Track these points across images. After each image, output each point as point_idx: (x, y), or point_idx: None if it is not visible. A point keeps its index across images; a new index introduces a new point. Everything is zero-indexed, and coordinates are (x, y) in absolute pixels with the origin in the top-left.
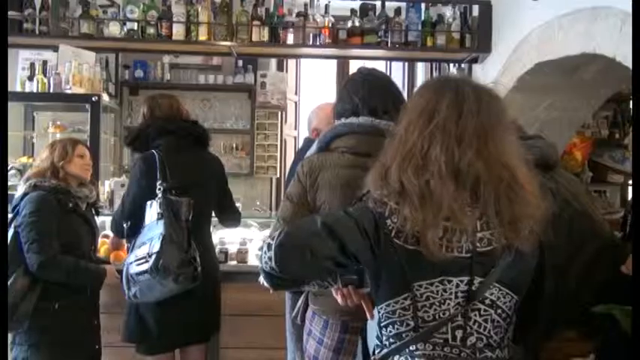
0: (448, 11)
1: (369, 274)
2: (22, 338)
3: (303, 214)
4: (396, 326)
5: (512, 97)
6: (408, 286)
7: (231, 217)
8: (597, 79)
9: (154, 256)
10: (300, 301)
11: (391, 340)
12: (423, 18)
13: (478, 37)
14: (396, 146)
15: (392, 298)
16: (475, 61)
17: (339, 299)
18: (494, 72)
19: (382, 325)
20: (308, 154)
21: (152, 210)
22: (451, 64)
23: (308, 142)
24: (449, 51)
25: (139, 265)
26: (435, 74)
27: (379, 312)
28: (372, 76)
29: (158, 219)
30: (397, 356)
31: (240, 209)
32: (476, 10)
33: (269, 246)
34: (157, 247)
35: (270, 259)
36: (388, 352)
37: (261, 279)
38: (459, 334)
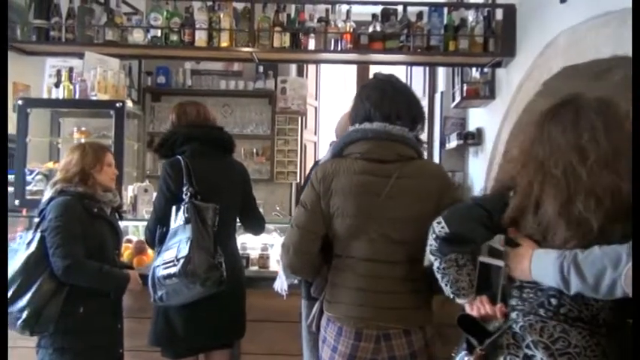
0: (471, 15)
1: None
2: (48, 342)
3: (317, 221)
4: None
5: (537, 102)
6: None
7: (255, 223)
8: (627, 83)
9: (182, 260)
10: (315, 308)
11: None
12: (445, 22)
13: (502, 40)
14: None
15: None
16: (499, 65)
17: (469, 308)
18: (519, 76)
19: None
20: (322, 160)
21: (178, 215)
22: (474, 69)
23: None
24: (472, 55)
25: (166, 268)
26: (457, 79)
27: None
28: (386, 82)
29: (185, 223)
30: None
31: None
32: (499, 13)
33: (438, 222)
34: (184, 251)
35: (442, 227)
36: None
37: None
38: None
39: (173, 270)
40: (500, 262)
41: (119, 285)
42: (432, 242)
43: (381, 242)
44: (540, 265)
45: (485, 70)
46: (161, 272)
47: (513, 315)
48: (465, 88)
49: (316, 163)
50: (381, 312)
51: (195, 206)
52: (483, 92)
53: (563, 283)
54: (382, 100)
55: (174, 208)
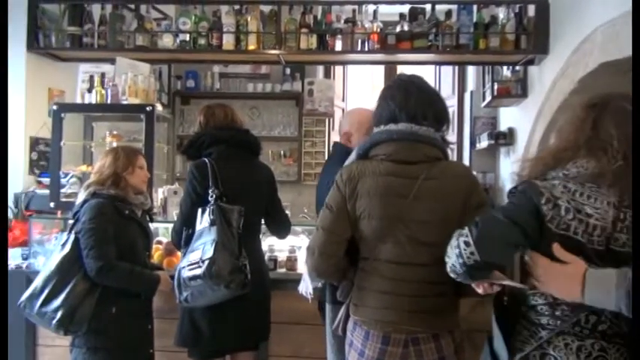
0: (502, 12)
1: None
2: (81, 341)
3: (342, 223)
4: (544, 296)
5: (572, 100)
6: None
7: (280, 226)
8: None
9: (206, 262)
10: (341, 312)
11: (543, 307)
12: (475, 20)
13: (534, 37)
14: None
15: None
16: (531, 63)
17: (480, 290)
18: (552, 74)
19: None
20: (347, 162)
21: (204, 216)
22: (505, 67)
23: (338, 148)
24: (503, 53)
25: (191, 269)
26: (487, 78)
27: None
28: (410, 83)
29: (210, 225)
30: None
31: (289, 216)
32: (532, 9)
33: (467, 243)
34: (209, 252)
35: (472, 253)
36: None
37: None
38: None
39: (198, 271)
40: (521, 285)
41: (150, 286)
42: (456, 265)
43: (408, 244)
44: (598, 290)
45: (517, 68)
46: (186, 273)
47: (543, 333)
48: (495, 86)
49: (328, 163)
50: (408, 315)
51: (221, 208)
52: (515, 91)
53: (627, 310)
54: (407, 101)
55: (199, 209)
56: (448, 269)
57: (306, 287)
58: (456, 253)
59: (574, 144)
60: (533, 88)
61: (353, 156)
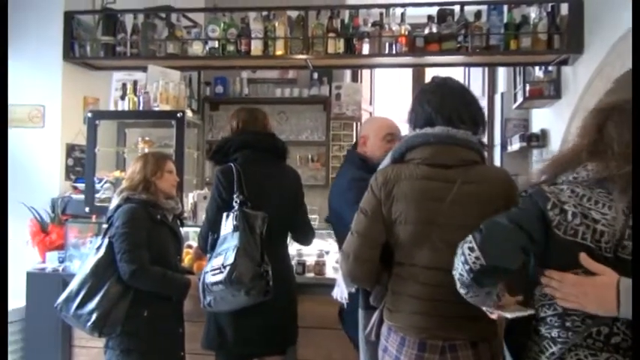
0: (533, 11)
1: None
2: (115, 343)
3: (377, 228)
4: (553, 306)
5: None
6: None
7: (302, 234)
8: None
9: (228, 268)
10: (374, 318)
11: (551, 318)
12: (505, 20)
13: (568, 36)
14: None
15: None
16: (565, 63)
17: (494, 316)
18: (587, 74)
19: (544, 306)
20: (381, 166)
21: (228, 222)
22: (537, 68)
23: (351, 154)
24: (535, 53)
25: (214, 275)
26: (518, 79)
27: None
28: (445, 85)
29: (233, 231)
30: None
31: (316, 220)
32: (565, 8)
33: (471, 249)
34: (231, 258)
35: (477, 258)
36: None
37: (460, 284)
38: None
39: (220, 277)
40: (529, 312)
41: (180, 290)
42: (463, 274)
43: (445, 250)
44: (630, 300)
45: (550, 68)
46: (209, 278)
47: (555, 349)
48: (527, 88)
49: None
50: (445, 322)
51: (245, 214)
52: (548, 92)
53: None
54: (443, 104)
55: (224, 215)
56: (457, 284)
57: (341, 292)
58: (462, 261)
59: (581, 148)
60: (567, 88)
61: (388, 159)
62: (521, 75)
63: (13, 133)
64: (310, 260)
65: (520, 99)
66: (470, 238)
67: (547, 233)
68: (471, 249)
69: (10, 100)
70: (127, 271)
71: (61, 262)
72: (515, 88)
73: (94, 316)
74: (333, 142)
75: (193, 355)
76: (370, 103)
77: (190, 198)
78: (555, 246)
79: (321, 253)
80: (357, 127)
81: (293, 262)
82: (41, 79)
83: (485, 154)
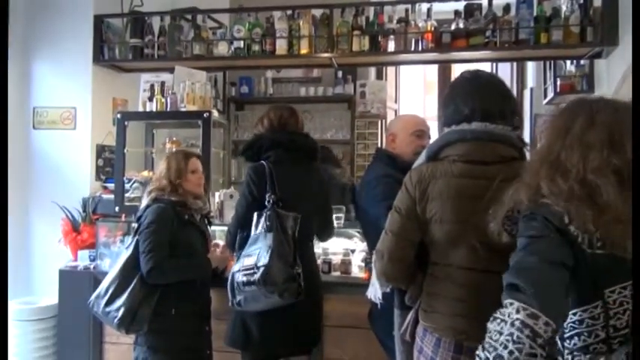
0: (564, 4)
1: None
2: (142, 340)
3: (412, 227)
4: (582, 337)
5: None
6: (600, 293)
7: (327, 233)
8: None
9: (261, 269)
10: (409, 317)
11: (575, 353)
12: (535, 13)
13: (602, 29)
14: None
15: (580, 307)
16: (598, 56)
17: None
18: (623, 67)
19: (566, 337)
20: (416, 164)
21: (260, 221)
22: (568, 62)
23: (379, 152)
24: (566, 47)
25: (245, 275)
26: (549, 74)
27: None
28: (479, 78)
29: (267, 231)
30: None
31: (341, 219)
32: None
33: (533, 316)
34: (264, 259)
35: (547, 324)
36: None
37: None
38: None
39: (252, 277)
40: None
41: (201, 270)
42: (531, 349)
43: (482, 250)
44: None
45: (582, 62)
46: (240, 278)
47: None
48: (558, 82)
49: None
50: (482, 324)
51: (278, 214)
52: (580, 86)
53: None
54: (480, 98)
55: (255, 214)
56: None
57: (374, 292)
58: (526, 335)
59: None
60: (600, 83)
61: (422, 157)
62: (551, 69)
63: (45, 135)
64: (336, 259)
65: (551, 94)
66: (517, 304)
67: (572, 252)
68: (533, 316)
69: (43, 103)
70: (145, 270)
71: (92, 260)
72: (545, 83)
73: (120, 313)
74: (357, 140)
75: (221, 353)
76: (395, 101)
77: (217, 197)
78: (586, 263)
79: (347, 252)
80: (382, 125)
81: (319, 261)
82: (72, 82)
83: (526, 150)
